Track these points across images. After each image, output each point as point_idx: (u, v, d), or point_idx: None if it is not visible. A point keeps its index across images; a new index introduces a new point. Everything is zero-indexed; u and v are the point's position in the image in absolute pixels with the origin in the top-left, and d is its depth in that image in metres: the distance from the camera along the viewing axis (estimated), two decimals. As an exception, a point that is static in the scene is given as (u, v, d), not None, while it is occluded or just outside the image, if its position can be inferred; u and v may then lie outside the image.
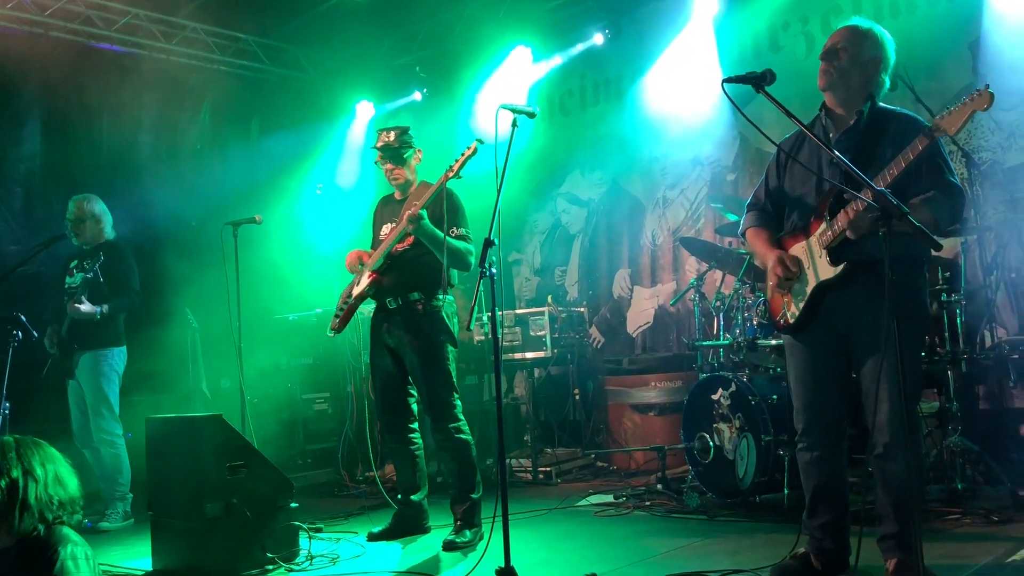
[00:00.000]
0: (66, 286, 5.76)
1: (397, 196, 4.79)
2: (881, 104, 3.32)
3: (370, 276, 4.62)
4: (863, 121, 3.27)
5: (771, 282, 3.40)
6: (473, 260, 4.46)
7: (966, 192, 2.94)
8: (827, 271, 3.22)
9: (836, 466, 3.36)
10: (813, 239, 3.29)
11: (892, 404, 3.08)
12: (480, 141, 3.85)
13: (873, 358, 3.13)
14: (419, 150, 4.76)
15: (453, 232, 4.44)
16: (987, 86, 2.92)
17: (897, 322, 2.80)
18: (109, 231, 5.87)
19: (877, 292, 3.00)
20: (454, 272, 4.68)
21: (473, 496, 4.52)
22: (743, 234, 3.68)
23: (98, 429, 5.62)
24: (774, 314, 3.48)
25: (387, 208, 4.84)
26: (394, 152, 4.66)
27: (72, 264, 5.83)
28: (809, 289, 3.28)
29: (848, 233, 3.13)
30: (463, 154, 4.25)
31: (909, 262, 3.16)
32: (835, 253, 3.21)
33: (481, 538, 4.38)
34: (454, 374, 4.62)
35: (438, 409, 4.56)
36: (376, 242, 4.80)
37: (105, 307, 5.59)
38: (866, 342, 3.18)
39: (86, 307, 5.50)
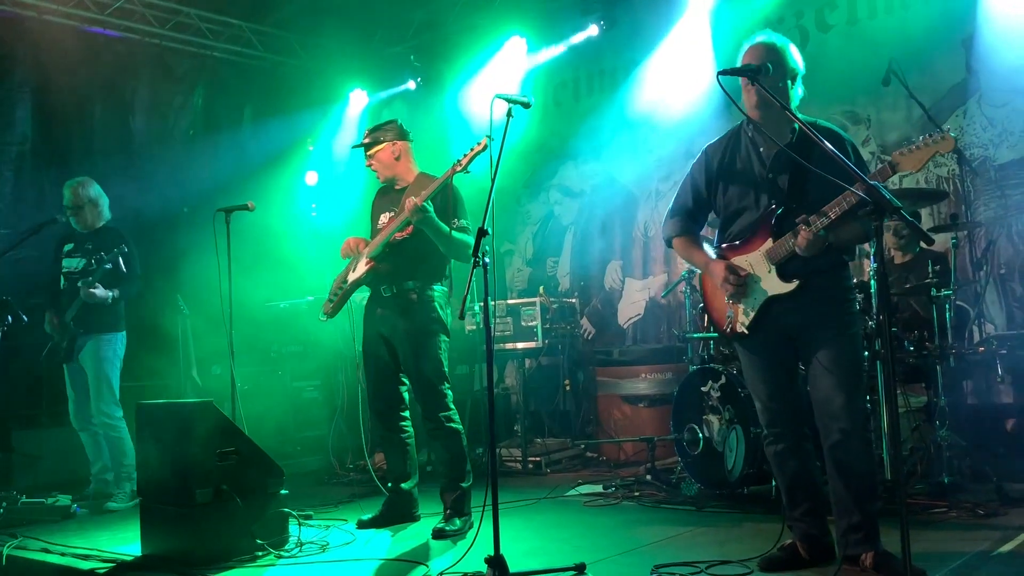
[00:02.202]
0: (65, 270, 5.75)
1: (397, 186, 4.79)
2: (799, 115, 3.33)
3: (367, 263, 4.62)
4: (795, 139, 3.30)
5: (725, 292, 3.43)
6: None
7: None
8: (779, 286, 3.31)
9: (805, 455, 3.45)
10: (759, 253, 3.35)
11: (845, 393, 3.20)
12: (490, 138, 3.83)
13: (820, 353, 3.25)
14: (399, 143, 4.73)
15: (454, 223, 4.45)
16: (948, 129, 3.01)
17: (842, 318, 3.21)
18: (107, 213, 5.89)
19: (818, 296, 3.26)
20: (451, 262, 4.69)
21: (463, 485, 4.53)
22: (669, 241, 3.70)
23: (99, 412, 5.63)
24: (718, 323, 3.56)
25: (386, 197, 4.83)
26: (366, 148, 4.75)
27: (67, 247, 5.82)
28: (760, 301, 3.35)
29: (799, 252, 3.21)
30: (472, 149, 4.22)
31: (840, 267, 3.34)
32: (783, 268, 3.29)
33: (470, 527, 4.39)
34: (446, 364, 4.63)
35: (429, 398, 4.56)
36: (374, 231, 4.80)
37: (116, 292, 5.63)
38: (811, 339, 3.30)
39: (101, 292, 5.54)
